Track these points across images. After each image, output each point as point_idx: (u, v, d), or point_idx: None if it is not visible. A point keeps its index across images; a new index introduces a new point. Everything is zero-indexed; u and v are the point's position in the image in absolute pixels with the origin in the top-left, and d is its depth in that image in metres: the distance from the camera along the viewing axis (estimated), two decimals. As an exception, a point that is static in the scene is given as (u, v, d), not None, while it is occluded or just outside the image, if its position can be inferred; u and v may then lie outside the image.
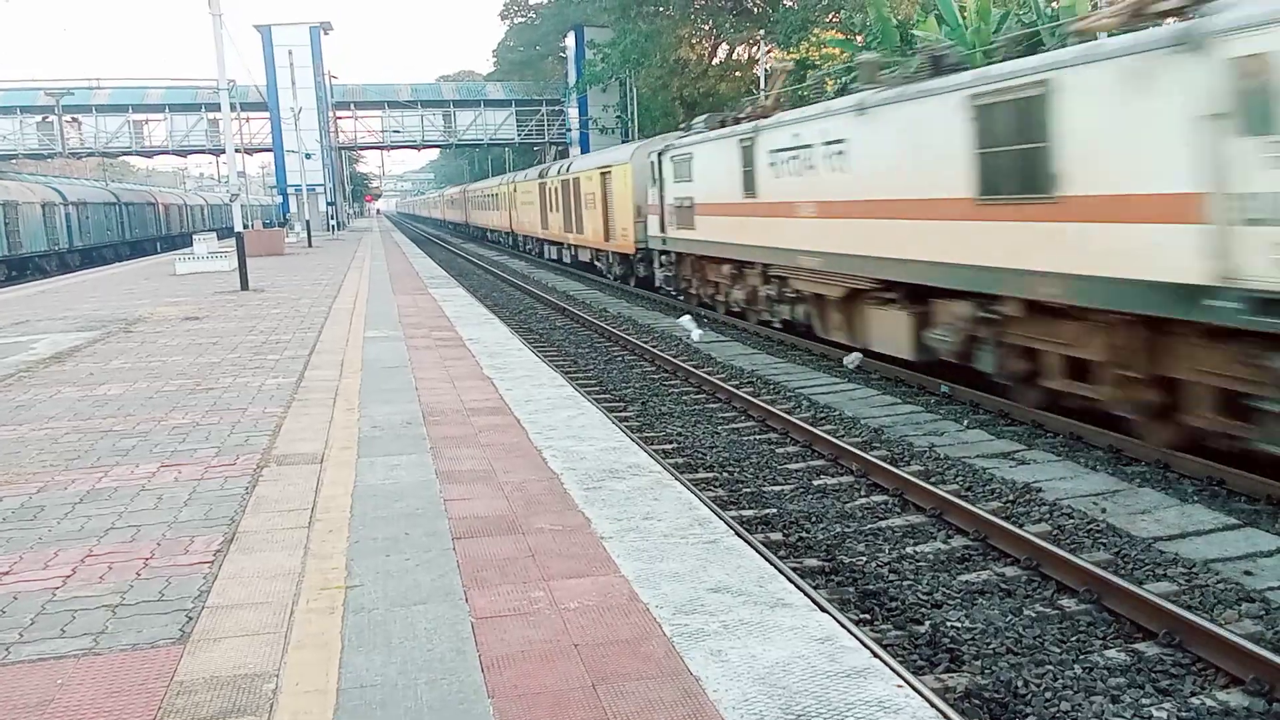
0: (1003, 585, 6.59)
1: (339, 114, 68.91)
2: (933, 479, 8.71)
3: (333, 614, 4.51)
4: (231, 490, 6.54)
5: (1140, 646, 5.65)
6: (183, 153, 71.49)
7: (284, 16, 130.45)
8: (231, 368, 11.61)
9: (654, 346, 16.52)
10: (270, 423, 8.56)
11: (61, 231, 45.44)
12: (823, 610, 4.70)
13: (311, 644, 4.21)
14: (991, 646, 5.73)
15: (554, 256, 37.58)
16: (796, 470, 9.38)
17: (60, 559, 5.36)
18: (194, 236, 36.45)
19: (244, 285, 22.52)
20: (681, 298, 21.89)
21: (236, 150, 28.82)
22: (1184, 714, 4.92)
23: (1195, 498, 7.99)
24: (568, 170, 32.43)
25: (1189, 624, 5.57)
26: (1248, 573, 6.52)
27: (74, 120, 65.54)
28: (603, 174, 27.17)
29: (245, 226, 27.03)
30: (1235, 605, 6.06)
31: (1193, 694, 5.14)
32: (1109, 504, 7.93)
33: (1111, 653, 5.60)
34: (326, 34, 62.07)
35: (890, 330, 12.82)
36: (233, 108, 26.84)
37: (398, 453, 7.36)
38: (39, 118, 64.51)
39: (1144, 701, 5.07)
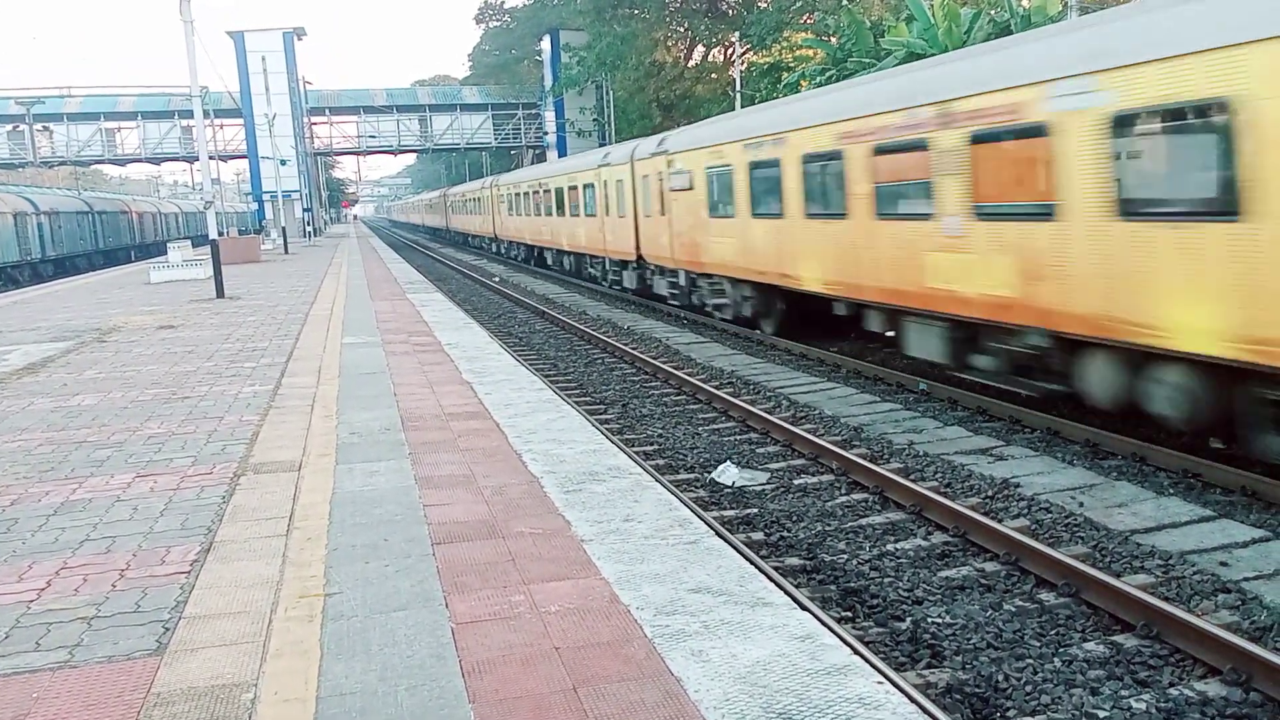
0: (983, 580, 6.63)
1: (314, 120, 68.61)
2: (912, 476, 8.75)
3: (311, 622, 4.48)
4: (208, 499, 6.48)
5: (1119, 638, 5.70)
6: (156, 160, 70.96)
7: (257, 22, 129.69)
8: (207, 376, 11.52)
9: (634, 349, 16.53)
10: (247, 431, 8.49)
11: (34, 241, 44.98)
12: (803, 609, 4.71)
13: (290, 652, 4.18)
14: (972, 642, 5.76)
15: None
16: (777, 470, 9.40)
17: (35, 571, 5.29)
18: (168, 245, 36.16)
19: (219, 293, 22.34)
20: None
21: (210, 157, 28.62)
22: (1162, 704, 4.97)
23: (1171, 490, 8.07)
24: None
25: (1167, 615, 5.63)
26: (1224, 564, 6.59)
27: (45, 129, 64.94)
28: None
29: (220, 234, 26.84)
30: (1212, 596, 6.12)
31: (1171, 685, 5.19)
32: (1086, 498, 7.99)
33: (1090, 645, 5.64)
34: (300, 40, 61.76)
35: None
36: (206, 115, 26.66)
37: (376, 459, 7.32)
38: (9, 127, 63.84)
39: (1123, 693, 5.11)
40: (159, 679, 4.00)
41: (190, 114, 24.98)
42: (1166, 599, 6.00)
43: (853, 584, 6.68)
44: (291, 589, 4.88)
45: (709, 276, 18.53)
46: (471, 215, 54.35)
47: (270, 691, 3.85)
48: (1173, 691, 5.09)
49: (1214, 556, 6.70)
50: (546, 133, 66.55)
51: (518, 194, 38.85)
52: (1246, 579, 6.32)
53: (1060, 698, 5.11)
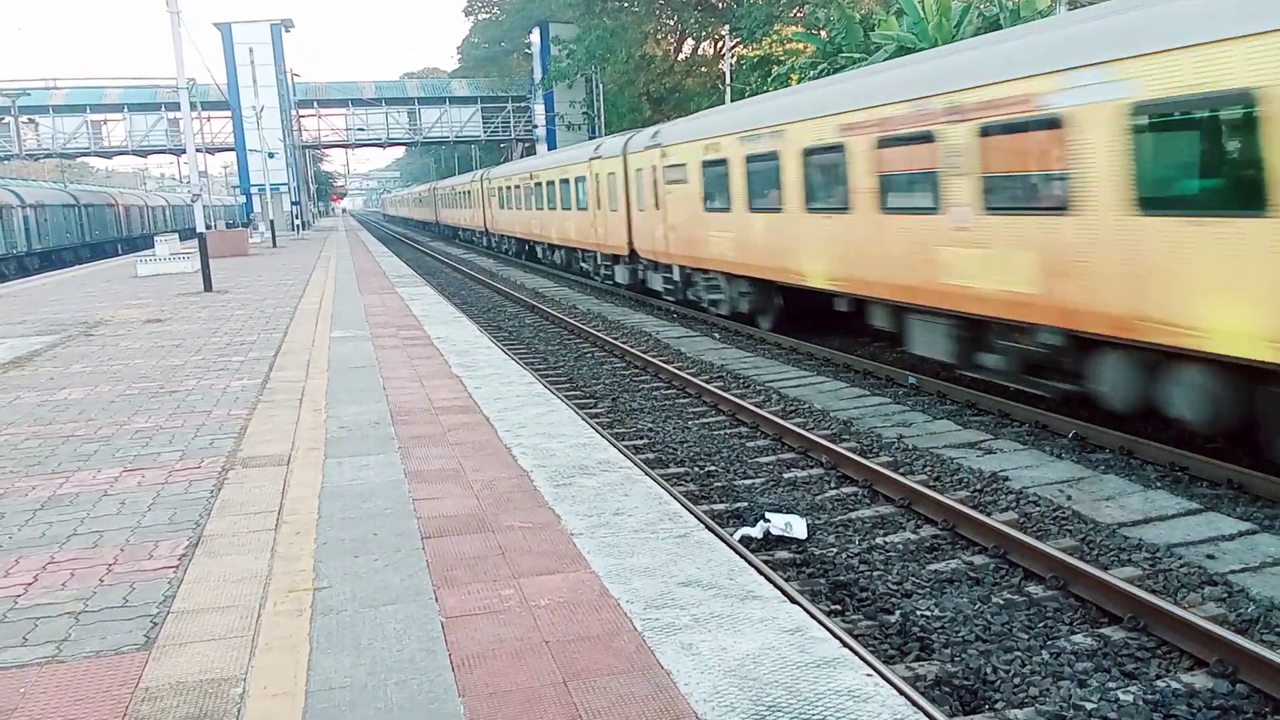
0: (971, 573, 6.65)
1: (302, 112, 68.30)
2: (901, 470, 8.77)
3: (300, 616, 4.47)
4: (196, 494, 6.45)
5: (1106, 631, 5.72)
6: (143, 153, 70.60)
7: (244, 14, 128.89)
8: (195, 370, 11.46)
9: (624, 343, 16.51)
10: (235, 425, 8.46)
11: (19, 234, 44.64)
12: (793, 602, 4.72)
13: (279, 647, 4.17)
14: (961, 634, 5.78)
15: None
16: (767, 463, 9.41)
17: (21, 566, 5.26)
18: (156, 238, 35.96)
19: (207, 287, 22.24)
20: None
21: (198, 150, 28.46)
22: (1149, 696, 4.99)
23: (1158, 483, 8.11)
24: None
25: (1154, 608, 5.65)
26: (1210, 556, 6.62)
27: (31, 121, 64.47)
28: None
29: (208, 227, 26.70)
30: (1198, 589, 6.16)
31: (1158, 677, 5.22)
32: (1074, 491, 8.03)
33: (1078, 638, 5.67)
34: (288, 31, 61.46)
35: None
36: (193, 107, 26.50)
37: (365, 453, 7.30)
38: (-6, 119, 63.35)
39: (1110, 685, 5.13)
40: (147, 673, 3.98)
41: (177, 106, 24.81)
42: (1154, 591, 6.03)
43: (842, 577, 6.69)
44: (280, 583, 4.87)
45: None
46: (599, 215, 24.69)
47: (259, 685, 3.84)
48: (1160, 683, 5.11)
49: (1201, 549, 6.74)
50: (536, 126, 66.35)
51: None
52: (1233, 571, 6.35)
53: (1048, 690, 5.13)
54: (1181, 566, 6.47)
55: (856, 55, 28.52)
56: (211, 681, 3.89)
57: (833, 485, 8.68)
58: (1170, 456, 8.48)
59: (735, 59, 45.53)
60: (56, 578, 5.08)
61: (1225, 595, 6.04)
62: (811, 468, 9.18)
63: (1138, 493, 7.90)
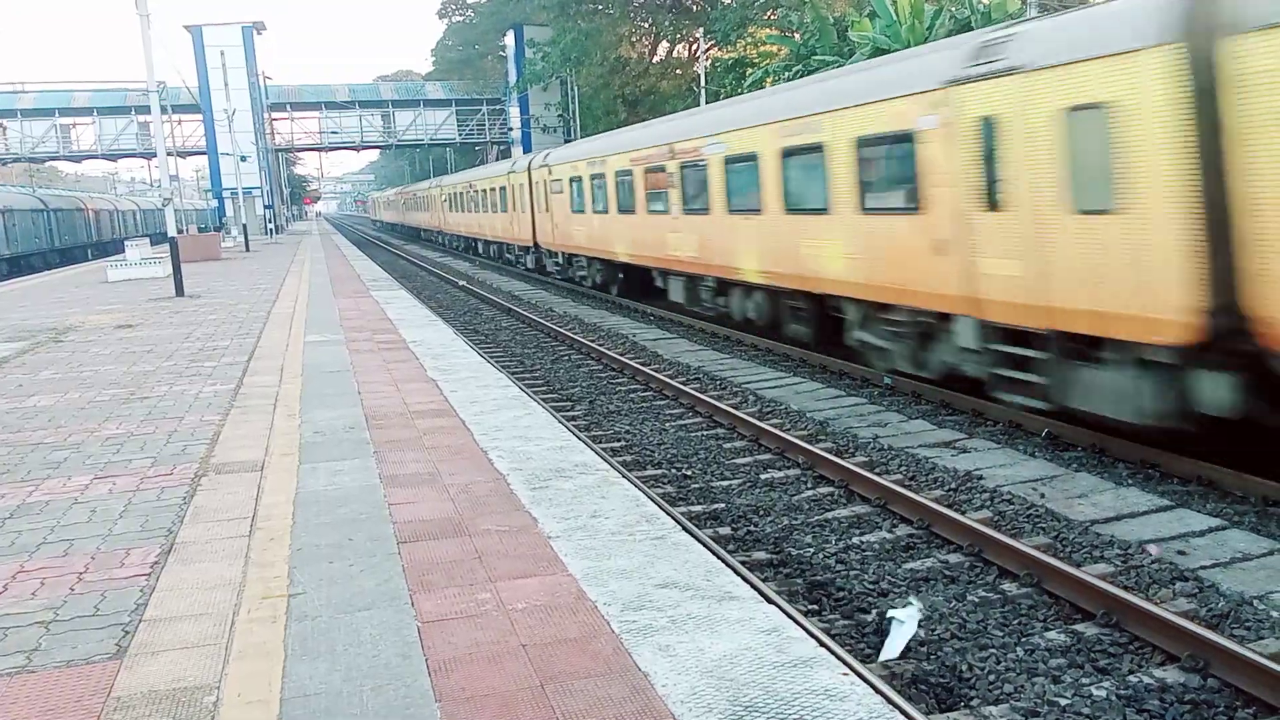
0: (946, 572, 6.69)
1: (275, 115, 67.79)
2: (877, 469, 8.82)
3: (275, 623, 4.43)
4: (168, 501, 6.39)
5: (1080, 627, 5.78)
6: (113, 157, 69.81)
7: (215, 16, 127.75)
8: (167, 376, 11.35)
9: (600, 345, 16.50)
10: (208, 431, 8.38)
11: (-13, 240, 44.04)
12: (770, 602, 4.73)
13: (253, 654, 4.13)
14: (936, 632, 5.81)
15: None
16: (744, 464, 9.43)
17: (-11, 576, 5.19)
18: (126, 243, 35.57)
19: (179, 292, 22.04)
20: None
21: (169, 153, 28.20)
22: (1122, 691, 5.04)
23: (1130, 481, 8.19)
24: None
25: (1126, 604, 5.71)
26: (1181, 552, 6.70)
27: (-2, 125, 63.64)
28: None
29: (179, 231, 26.48)
30: (1170, 584, 6.23)
31: (1130, 672, 5.27)
32: (1047, 489, 8.10)
33: (1052, 634, 5.72)
34: (260, 34, 61.01)
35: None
36: (164, 110, 26.27)
37: (340, 458, 7.25)
38: (-40, 123, 62.46)
39: (1084, 681, 5.18)
40: (119, 682, 3.94)
41: (147, 109, 24.58)
42: (1126, 588, 6.09)
43: (819, 577, 6.72)
44: (254, 590, 4.83)
45: None
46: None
47: (233, 693, 3.81)
48: (1132, 679, 5.17)
49: (1172, 545, 6.81)
50: (511, 129, 66.27)
51: None
52: (1204, 567, 6.43)
53: (1023, 686, 5.17)
54: (1153, 563, 6.54)
55: (830, 57, 28.65)
56: (185, 690, 3.85)
57: (809, 486, 8.71)
58: (1141, 454, 8.58)
59: (710, 61, 45.63)
60: (26, 587, 5.02)
61: (1196, 591, 6.11)
62: (788, 468, 9.21)
63: (1109, 490, 7.98)
